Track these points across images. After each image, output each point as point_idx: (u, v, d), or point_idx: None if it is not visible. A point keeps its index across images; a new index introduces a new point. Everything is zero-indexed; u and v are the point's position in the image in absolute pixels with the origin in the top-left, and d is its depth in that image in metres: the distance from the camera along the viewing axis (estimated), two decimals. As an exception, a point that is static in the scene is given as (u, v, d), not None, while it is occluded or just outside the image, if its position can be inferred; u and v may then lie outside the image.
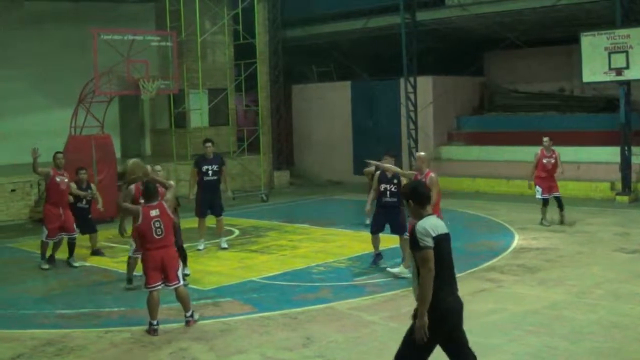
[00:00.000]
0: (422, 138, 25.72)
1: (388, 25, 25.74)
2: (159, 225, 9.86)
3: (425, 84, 25.79)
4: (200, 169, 15.27)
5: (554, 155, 17.21)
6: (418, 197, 6.66)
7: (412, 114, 25.45)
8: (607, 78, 20.90)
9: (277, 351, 8.94)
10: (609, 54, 20.53)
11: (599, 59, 20.73)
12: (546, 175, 17.15)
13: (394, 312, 10.45)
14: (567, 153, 22.75)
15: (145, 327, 9.88)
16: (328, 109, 28.72)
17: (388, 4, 25.49)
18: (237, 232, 17.65)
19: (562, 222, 17.15)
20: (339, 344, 9.16)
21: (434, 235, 6.39)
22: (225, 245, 15.51)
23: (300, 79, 29.78)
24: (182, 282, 10.15)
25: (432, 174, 12.28)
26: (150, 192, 10.19)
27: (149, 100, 24.93)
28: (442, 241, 6.47)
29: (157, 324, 9.80)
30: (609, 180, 21.56)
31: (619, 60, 20.41)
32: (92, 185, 15.26)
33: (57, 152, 14.51)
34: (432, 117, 26.07)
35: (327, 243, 15.99)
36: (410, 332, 6.49)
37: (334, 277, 12.82)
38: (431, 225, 6.46)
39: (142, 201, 11.73)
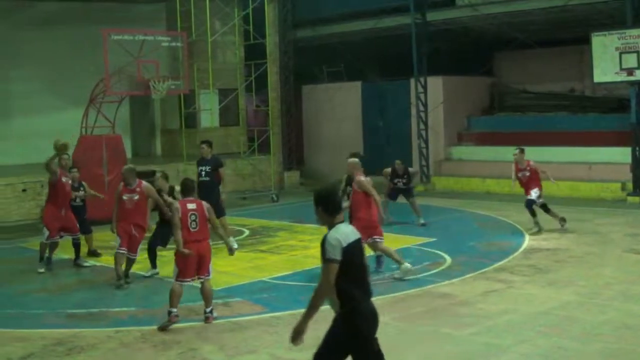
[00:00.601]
0: (432, 138, 25.72)
1: (398, 25, 25.74)
2: (194, 219, 10.08)
3: (435, 84, 25.78)
4: (198, 170, 15.73)
5: (528, 168, 16.51)
6: (328, 204, 6.32)
7: (422, 114, 25.45)
8: (618, 78, 20.85)
9: (287, 351, 8.92)
10: (620, 54, 20.49)
11: (610, 59, 20.68)
12: (526, 189, 16.56)
13: (404, 312, 10.45)
14: (578, 153, 22.83)
15: (155, 326, 9.92)
16: (338, 109, 28.72)
17: (398, 4, 25.49)
18: (247, 232, 17.67)
19: (563, 222, 16.57)
20: (349, 344, 9.14)
21: (344, 245, 6.08)
22: (235, 245, 15.51)
23: (310, 80, 29.77)
24: (211, 276, 10.29)
25: (361, 177, 12.66)
26: (187, 187, 10.45)
27: (160, 101, 24.99)
28: (353, 248, 6.20)
29: (177, 312, 9.96)
30: (620, 180, 21.48)
31: (630, 61, 20.35)
32: (84, 184, 15.18)
33: (64, 153, 14.36)
34: (443, 118, 26.05)
35: (337, 243, 15.94)
36: (330, 334, 6.41)
37: (344, 278, 12.78)
38: (342, 234, 6.16)
39: (125, 197, 12.65)
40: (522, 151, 16.79)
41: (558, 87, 27.02)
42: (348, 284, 6.14)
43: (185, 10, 24.12)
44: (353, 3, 27.00)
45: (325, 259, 6.09)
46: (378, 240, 12.55)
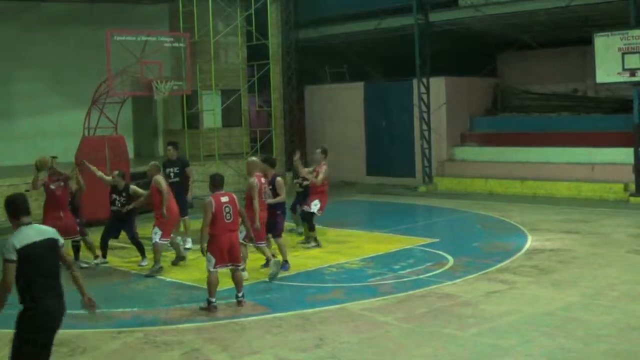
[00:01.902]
0: (435, 139, 25.69)
1: (401, 26, 25.71)
2: (228, 211, 10.81)
3: (438, 84, 25.75)
4: (164, 172, 15.77)
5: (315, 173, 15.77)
6: (8, 209, 6.86)
7: (425, 115, 25.42)
8: (621, 79, 20.79)
9: (290, 352, 8.94)
10: (623, 54, 20.44)
11: (612, 60, 20.64)
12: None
13: (407, 313, 10.44)
14: (580, 154, 22.82)
15: (159, 326, 9.94)
16: (341, 110, 28.70)
17: (401, 5, 25.45)
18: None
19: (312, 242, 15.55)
20: (352, 345, 9.15)
21: (18, 247, 6.55)
22: (189, 246, 15.59)
23: (313, 80, 29.76)
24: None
25: (252, 179, 12.78)
26: (216, 181, 11.10)
27: (162, 101, 25.02)
28: (31, 249, 6.63)
29: (216, 302, 10.79)
30: (622, 181, 21.44)
31: (632, 61, 20.30)
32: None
33: (52, 157, 14.24)
34: (445, 118, 26.01)
35: (340, 244, 15.97)
36: (14, 333, 6.72)
37: (347, 278, 12.81)
38: (19, 237, 6.66)
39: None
40: (322, 151, 16.10)
41: (561, 88, 27.00)
42: (25, 283, 6.59)
43: (187, 11, 24.16)
44: (356, 4, 26.97)
45: (3, 259, 6.54)
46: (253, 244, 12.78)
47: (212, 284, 10.78)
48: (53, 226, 13.55)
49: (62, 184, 14.01)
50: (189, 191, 16.02)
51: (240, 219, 11.08)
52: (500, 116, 27.18)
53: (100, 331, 10.01)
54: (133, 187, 14.47)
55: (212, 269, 10.74)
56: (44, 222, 13.73)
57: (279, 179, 13.78)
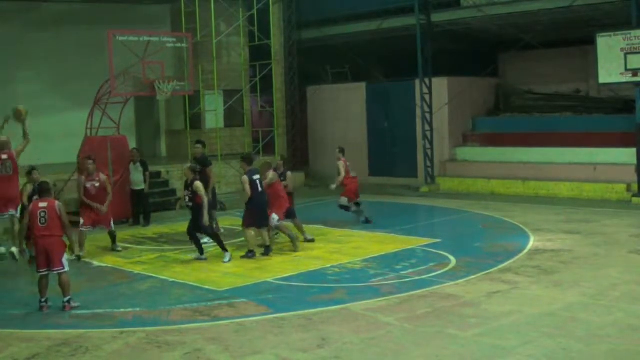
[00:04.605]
0: (437, 139, 25.69)
1: (403, 26, 25.72)
2: (43, 215, 11.18)
3: (440, 85, 25.76)
4: None
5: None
6: None
7: (427, 115, 25.43)
8: (624, 79, 20.79)
9: (292, 352, 8.95)
10: (625, 55, 20.43)
11: (615, 60, 20.63)
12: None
13: (409, 313, 10.44)
14: (583, 154, 22.81)
15: (161, 327, 9.95)
16: (343, 110, 28.70)
17: (403, 5, 25.47)
18: (252, 232, 17.61)
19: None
20: (354, 345, 9.16)
21: None
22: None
23: (315, 80, 29.76)
24: None
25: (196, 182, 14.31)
26: (41, 189, 11.82)
27: (165, 102, 25.02)
28: None
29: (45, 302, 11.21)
30: (625, 181, 21.44)
31: (635, 61, 20.29)
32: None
33: (87, 158, 15.71)
34: (448, 119, 26.02)
35: (342, 244, 15.97)
36: None
37: (349, 278, 12.81)
38: None
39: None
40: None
41: (563, 88, 26.96)
42: None
43: (190, 11, 24.17)
44: (358, 4, 26.98)
45: None
46: None
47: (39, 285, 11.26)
48: (88, 218, 15.20)
49: (97, 184, 15.56)
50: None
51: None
52: (503, 116, 27.17)
53: (102, 331, 10.02)
54: (197, 183, 14.43)
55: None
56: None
57: (288, 173, 15.63)
